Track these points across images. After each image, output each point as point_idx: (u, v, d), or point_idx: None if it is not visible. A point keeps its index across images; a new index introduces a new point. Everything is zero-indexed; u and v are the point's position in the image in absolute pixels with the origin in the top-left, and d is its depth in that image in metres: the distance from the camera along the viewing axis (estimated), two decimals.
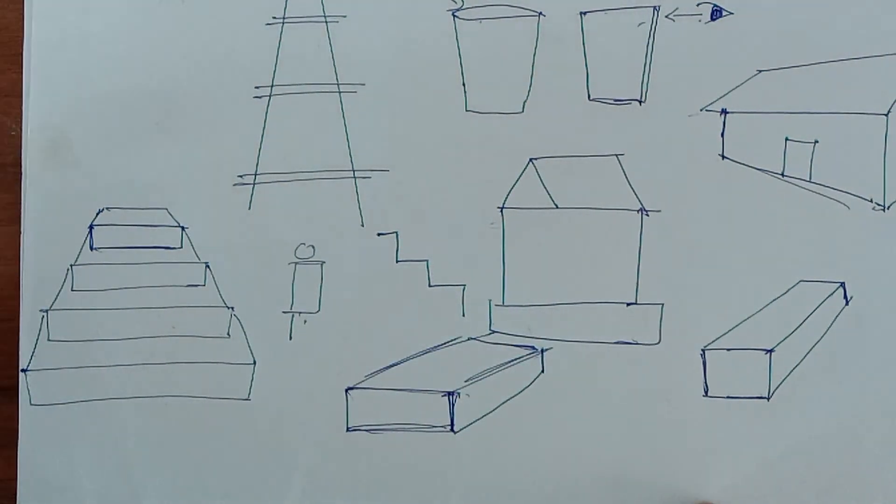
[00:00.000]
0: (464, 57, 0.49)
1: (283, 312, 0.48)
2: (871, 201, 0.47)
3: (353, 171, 0.49)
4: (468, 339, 0.48)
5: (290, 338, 0.48)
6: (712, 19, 0.48)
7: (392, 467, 0.48)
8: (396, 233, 0.49)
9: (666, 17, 0.48)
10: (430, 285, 0.48)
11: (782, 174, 0.48)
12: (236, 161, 0.49)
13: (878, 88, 0.48)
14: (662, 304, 0.48)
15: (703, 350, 0.48)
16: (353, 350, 0.48)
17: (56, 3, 0.49)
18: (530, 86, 0.49)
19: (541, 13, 0.49)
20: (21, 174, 0.49)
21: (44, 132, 0.49)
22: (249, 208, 0.49)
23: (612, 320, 0.48)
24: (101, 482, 0.48)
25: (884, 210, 0.47)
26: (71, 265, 0.49)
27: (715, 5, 0.48)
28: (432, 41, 0.49)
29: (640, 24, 0.48)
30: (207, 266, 0.49)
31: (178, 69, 0.49)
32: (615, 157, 0.48)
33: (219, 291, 0.48)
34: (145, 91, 0.49)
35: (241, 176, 0.49)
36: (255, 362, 0.48)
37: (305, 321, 0.48)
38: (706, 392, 0.47)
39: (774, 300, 0.48)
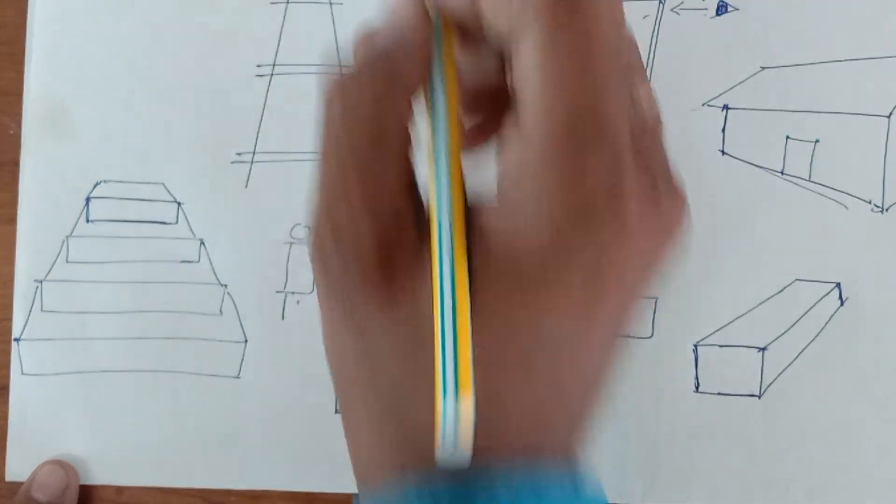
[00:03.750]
0: None
1: (277, 292, 0.48)
2: (870, 203, 0.47)
3: None
4: None
5: (283, 317, 0.48)
6: (718, 14, 0.48)
7: None
8: None
9: (671, 10, 0.48)
10: None
11: (782, 172, 0.48)
12: (235, 139, 0.49)
13: (881, 90, 0.47)
14: (656, 298, 0.48)
15: (695, 345, 0.47)
16: None
17: None
18: None
19: None
20: (20, 174, 0.49)
21: (43, 102, 0.49)
22: (246, 186, 0.49)
23: None
24: (89, 453, 0.48)
25: (882, 212, 0.47)
26: (67, 237, 0.49)
27: (721, 0, 0.48)
28: None
29: (644, 17, 0.48)
30: (202, 243, 0.49)
31: (180, 43, 0.49)
32: None
33: (213, 269, 0.48)
34: (146, 65, 0.49)
35: (239, 154, 0.49)
36: (246, 341, 0.48)
37: (298, 301, 0.48)
38: (697, 388, 0.47)
39: (769, 298, 0.47)
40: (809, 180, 0.48)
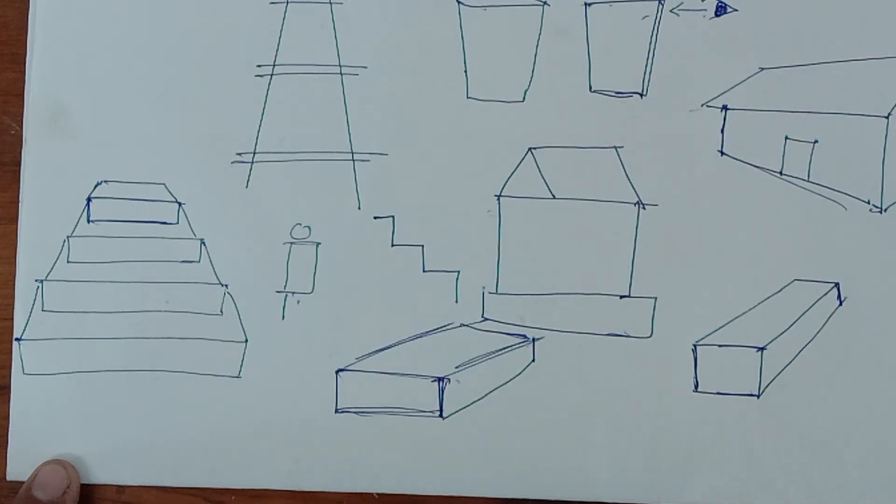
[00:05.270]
0: (466, 44, 0.49)
1: (277, 292, 0.49)
2: (869, 203, 0.47)
3: (352, 153, 0.49)
4: (460, 326, 0.48)
5: (283, 317, 0.48)
6: (716, 15, 0.48)
7: (379, 451, 0.48)
8: (393, 217, 0.49)
9: (670, 11, 0.48)
10: (424, 270, 0.48)
11: (781, 173, 0.48)
12: (235, 139, 0.49)
13: (880, 90, 0.48)
14: (655, 298, 0.48)
15: (694, 345, 0.47)
16: (345, 332, 0.48)
17: None
18: (532, 75, 0.49)
19: (545, 3, 0.49)
20: (21, 174, 0.49)
21: (44, 102, 0.49)
22: (247, 186, 0.49)
23: (605, 312, 0.48)
24: (89, 453, 0.48)
25: (881, 212, 0.47)
26: (68, 237, 0.49)
27: (720, 1, 0.48)
28: (436, 27, 0.49)
29: (644, 18, 0.48)
30: (203, 242, 0.49)
31: (180, 44, 0.49)
32: (614, 149, 0.48)
33: (213, 268, 0.49)
34: (147, 65, 0.49)
35: (239, 154, 0.49)
36: (246, 340, 0.48)
37: (299, 301, 0.48)
38: (696, 387, 0.47)
39: (768, 298, 0.47)
40: (808, 181, 0.48)
